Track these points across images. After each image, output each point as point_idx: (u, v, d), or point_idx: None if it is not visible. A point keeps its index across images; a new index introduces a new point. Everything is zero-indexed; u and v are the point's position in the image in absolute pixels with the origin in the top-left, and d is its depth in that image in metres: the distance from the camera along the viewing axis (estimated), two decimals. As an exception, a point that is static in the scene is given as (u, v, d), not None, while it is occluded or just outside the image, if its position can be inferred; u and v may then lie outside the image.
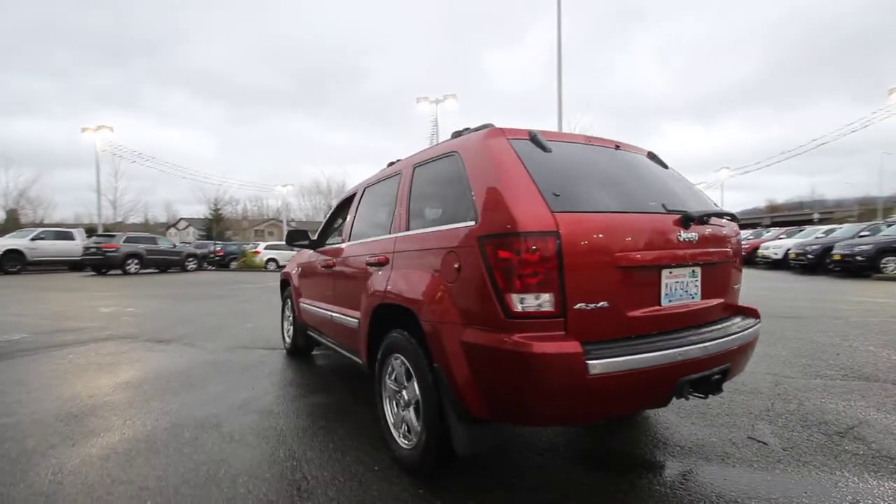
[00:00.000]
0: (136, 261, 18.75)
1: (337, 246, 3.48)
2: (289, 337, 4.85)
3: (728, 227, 2.34)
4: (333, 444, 2.62)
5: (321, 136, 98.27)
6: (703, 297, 2.12)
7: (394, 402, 2.48)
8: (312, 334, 4.14)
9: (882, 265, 12.44)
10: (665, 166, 2.55)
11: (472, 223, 1.90)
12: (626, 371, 1.69)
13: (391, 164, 3.26)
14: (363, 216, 3.22)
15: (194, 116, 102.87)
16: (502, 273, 1.73)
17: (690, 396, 1.97)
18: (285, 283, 4.97)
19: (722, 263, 2.23)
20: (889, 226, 14.93)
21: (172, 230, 64.22)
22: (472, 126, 2.49)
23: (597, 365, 1.64)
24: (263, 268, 23.13)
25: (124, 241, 18.78)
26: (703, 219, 2.08)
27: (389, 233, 2.61)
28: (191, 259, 21.80)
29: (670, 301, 1.98)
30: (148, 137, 77.79)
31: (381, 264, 2.58)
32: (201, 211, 54.33)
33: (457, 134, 2.49)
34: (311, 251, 4.06)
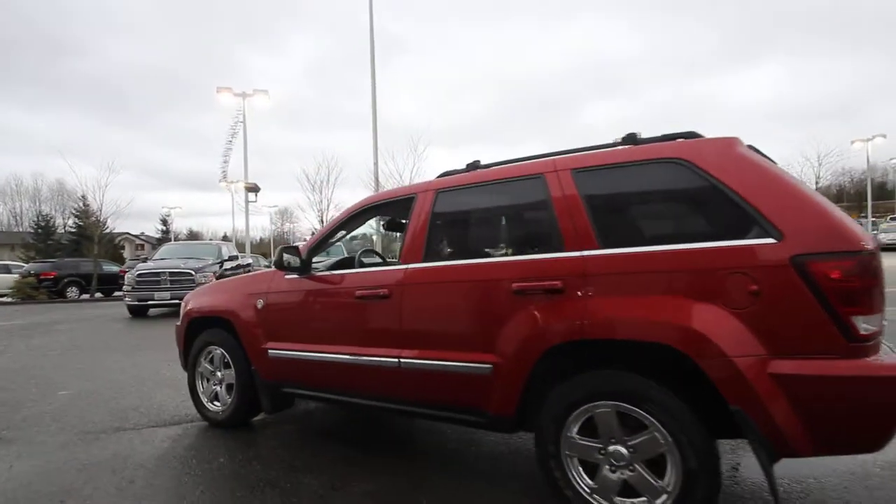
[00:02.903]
0: None
1: (387, 269, 2.60)
2: (216, 403, 3.38)
3: None
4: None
5: (18, 123, 71.60)
6: None
7: (576, 463, 2.00)
8: (296, 391, 2.99)
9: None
10: None
11: (771, 240, 1.69)
12: None
13: (472, 165, 2.63)
14: (455, 230, 2.48)
15: None
16: (842, 295, 1.60)
17: None
18: (203, 324, 3.45)
19: None
20: None
21: None
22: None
23: None
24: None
25: None
26: None
27: (561, 251, 2.09)
28: None
29: None
30: None
31: (551, 291, 2.04)
32: None
33: (630, 140, 2.19)
34: (295, 277, 2.93)
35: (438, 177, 2.73)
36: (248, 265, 14.80)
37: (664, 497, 1.81)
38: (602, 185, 2.11)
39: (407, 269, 2.49)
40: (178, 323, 3.65)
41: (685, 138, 2.09)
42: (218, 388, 3.39)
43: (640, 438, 1.86)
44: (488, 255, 2.34)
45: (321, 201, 28.02)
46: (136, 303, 10.23)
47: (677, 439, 1.78)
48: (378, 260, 3.45)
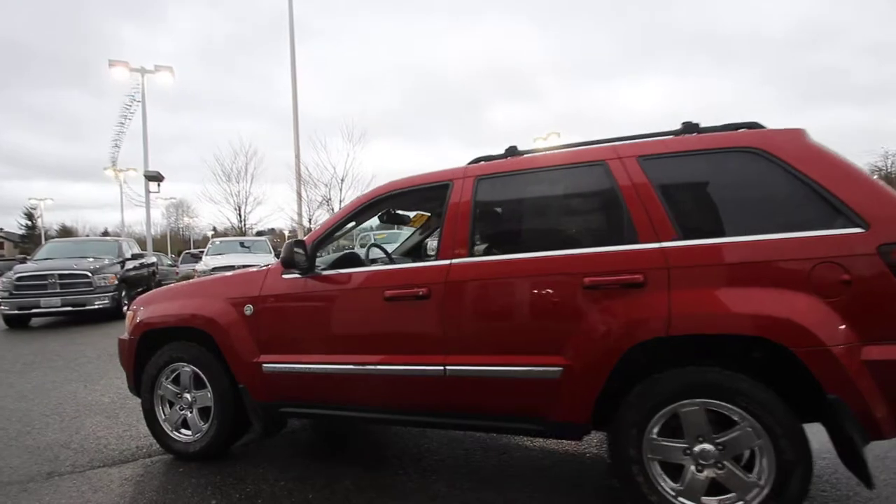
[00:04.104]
0: None
1: (424, 265, 2.30)
2: (184, 432, 2.80)
3: None
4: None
5: None
6: None
7: (658, 466, 1.90)
8: (298, 411, 2.57)
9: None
10: None
11: (858, 229, 1.71)
12: None
13: (510, 151, 2.41)
14: (504, 221, 2.24)
15: None
16: None
17: None
18: (163, 337, 2.85)
19: None
20: None
21: None
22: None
23: None
24: None
25: None
26: None
27: (634, 242, 1.96)
28: None
29: None
30: None
31: (631, 285, 1.91)
32: None
33: (690, 129, 2.13)
34: (297, 277, 2.50)
35: (470, 163, 2.48)
36: (154, 265, 13.12)
37: (755, 491, 1.77)
38: (674, 173, 2.02)
39: (451, 264, 2.21)
40: (125, 336, 2.99)
41: (748, 128, 2.07)
42: (188, 414, 2.82)
43: (732, 434, 1.80)
44: (542, 248, 2.15)
45: (239, 193, 25.74)
46: (16, 311, 8.50)
47: (772, 432, 1.74)
48: (383, 256, 3.11)
